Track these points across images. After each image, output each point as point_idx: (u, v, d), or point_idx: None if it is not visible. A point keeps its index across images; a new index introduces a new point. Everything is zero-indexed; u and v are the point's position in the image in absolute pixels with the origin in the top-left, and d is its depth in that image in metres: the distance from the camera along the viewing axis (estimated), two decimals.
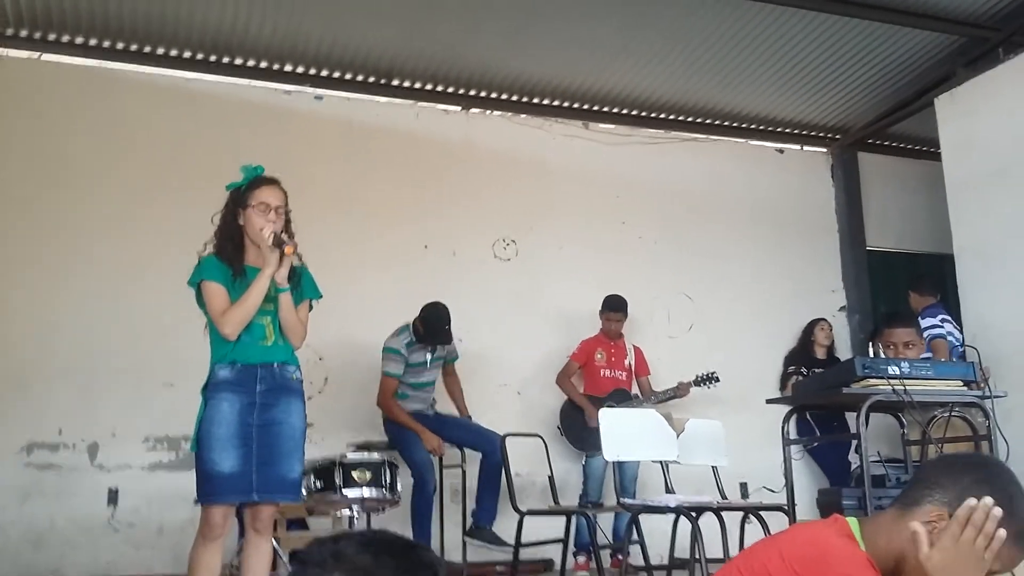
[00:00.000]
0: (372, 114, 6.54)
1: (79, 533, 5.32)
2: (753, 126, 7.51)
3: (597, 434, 4.35)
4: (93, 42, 5.92)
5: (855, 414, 3.82)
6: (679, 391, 5.95)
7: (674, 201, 7.12)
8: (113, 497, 5.40)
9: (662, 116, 7.25)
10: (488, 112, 6.84)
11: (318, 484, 3.90)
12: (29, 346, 5.46)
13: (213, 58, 6.16)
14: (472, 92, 6.76)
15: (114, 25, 5.75)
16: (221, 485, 3.03)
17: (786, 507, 4.07)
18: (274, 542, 4.18)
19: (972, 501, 1.62)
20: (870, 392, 3.73)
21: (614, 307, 6.11)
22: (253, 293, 3.11)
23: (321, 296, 3.39)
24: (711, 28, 6.01)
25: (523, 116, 6.88)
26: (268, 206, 3.18)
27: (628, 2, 5.77)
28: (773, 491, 5.15)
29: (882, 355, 3.97)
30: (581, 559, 5.64)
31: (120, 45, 5.97)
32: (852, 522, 1.73)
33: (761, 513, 4.10)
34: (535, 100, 6.92)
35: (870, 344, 4.17)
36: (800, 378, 6.38)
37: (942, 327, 5.74)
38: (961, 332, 5.87)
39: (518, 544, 4.36)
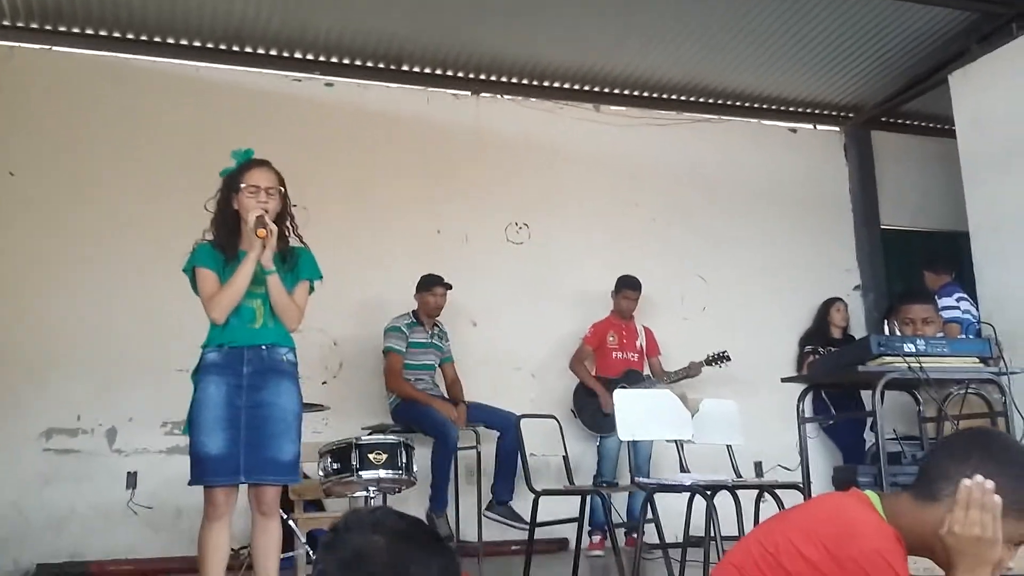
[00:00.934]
0: (383, 100, 6.54)
1: (99, 517, 5.38)
2: (766, 106, 7.47)
3: (611, 416, 4.36)
4: (103, 33, 5.94)
5: (870, 392, 3.81)
6: (691, 371, 5.96)
7: (687, 183, 7.10)
8: (132, 481, 5.46)
9: (674, 97, 7.22)
10: (498, 96, 6.83)
11: (335, 466, 3.90)
12: (47, 335, 5.51)
13: (223, 47, 6.18)
14: (482, 76, 6.75)
15: (124, 16, 5.77)
16: (209, 467, 3.05)
17: (801, 485, 4.07)
18: (292, 523, 4.23)
19: (966, 482, 1.63)
20: (885, 370, 3.71)
21: (631, 285, 6.12)
22: (238, 277, 3.12)
23: (321, 277, 3.36)
24: (722, 7, 5.98)
25: (533, 100, 6.87)
26: (258, 188, 3.17)
27: None
28: (788, 469, 5.17)
29: (898, 333, 3.95)
30: (596, 538, 5.68)
31: (130, 35, 6.00)
32: (872, 496, 1.72)
33: (776, 491, 4.09)
34: (546, 83, 6.91)
35: (885, 322, 4.15)
36: (816, 358, 6.36)
37: (958, 307, 5.72)
38: (978, 310, 5.84)
39: (533, 523, 4.38)
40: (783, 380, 4.50)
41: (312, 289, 3.36)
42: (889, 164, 7.69)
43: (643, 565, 4.41)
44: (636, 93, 7.12)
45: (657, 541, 4.41)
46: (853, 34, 6.41)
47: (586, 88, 7.00)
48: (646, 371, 6.15)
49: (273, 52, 6.29)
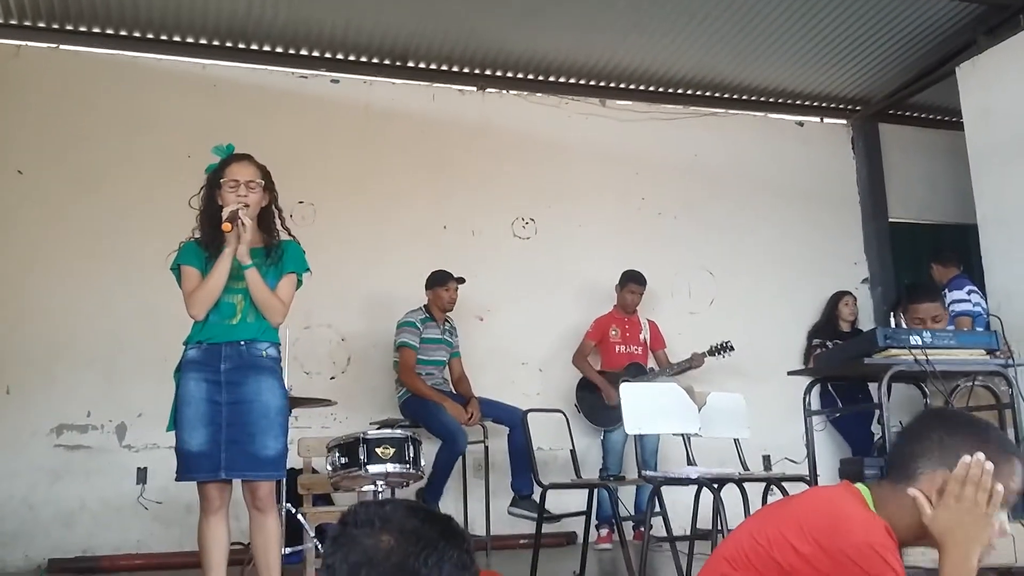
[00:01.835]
0: (388, 96, 6.55)
1: (109, 512, 5.42)
2: (772, 99, 7.45)
3: (614, 409, 4.36)
4: (110, 31, 5.97)
5: (877, 384, 3.81)
6: (693, 362, 5.97)
7: (693, 177, 7.09)
8: (142, 476, 5.49)
9: (680, 91, 7.21)
10: (504, 91, 6.83)
11: (343, 460, 3.92)
12: (56, 333, 5.54)
13: (229, 44, 6.19)
14: (488, 72, 6.76)
15: (130, 14, 5.80)
16: (190, 463, 3.06)
17: (808, 478, 4.07)
18: (301, 517, 4.25)
19: (967, 458, 1.66)
20: (892, 362, 3.71)
21: (636, 279, 6.13)
22: (214, 273, 3.11)
23: (308, 269, 3.33)
24: (727, 0, 5.96)
25: (539, 95, 6.87)
26: (237, 182, 3.16)
27: None
28: (795, 462, 5.15)
29: (904, 325, 3.95)
30: (604, 532, 5.69)
31: (136, 34, 6.02)
32: (863, 489, 1.74)
33: (783, 484, 4.09)
34: (551, 78, 6.91)
35: (892, 316, 4.15)
36: (824, 351, 6.36)
37: (969, 300, 5.70)
38: (987, 302, 5.82)
39: (541, 518, 4.39)
40: (789, 373, 4.51)
41: (300, 283, 3.32)
42: (897, 157, 7.66)
43: (651, 558, 4.41)
44: (642, 87, 7.12)
45: (664, 534, 4.41)
46: (860, 26, 6.39)
47: (592, 83, 6.99)
48: (651, 364, 6.15)
49: (279, 49, 6.31)
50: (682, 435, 4.38)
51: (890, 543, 1.60)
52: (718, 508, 3.82)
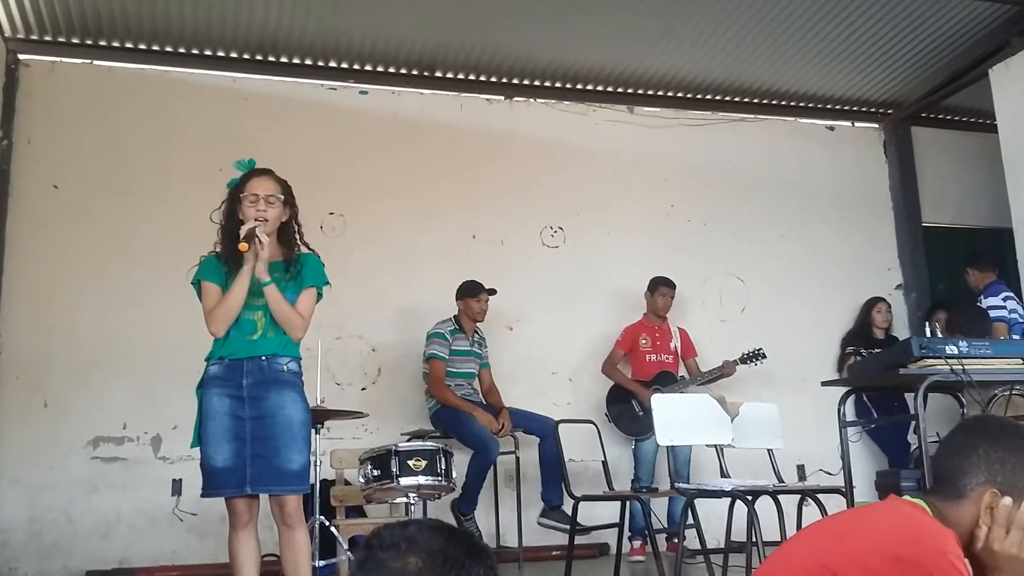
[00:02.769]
0: (417, 107, 6.58)
1: (145, 523, 5.48)
2: (802, 104, 7.39)
3: (645, 419, 4.34)
4: (142, 46, 6.05)
5: (913, 395, 3.76)
6: (725, 370, 5.92)
7: (723, 183, 7.04)
8: (177, 488, 5.54)
9: (708, 97, 7.17)
10: (531, 100, 6.83)
11: (375, 473, 3.95)
12: (92, 346, 5.61)
13: (259, 57, 6.25)
14: (515, 80, 6.76)
15: (161, 29, 5.87)
16: (216, 479, 3.08)
17: (844, 489, 4.03)
18: (334, 529, 4.28)
19: (1006, 501, 1.64)
20: (928, 373, 3.66)
21: (667, 283, 6.10)
22: (234, 290, 3.13)
23: (327, 283, 3.33)
24: (757, 5, 5.92)
25: (567, 103, 6.86)
26: (257, 196, 3.18)
27: None
28: (831, 474, 5.11)
29: (939, 334, 3.90)
30: (636, 543, 5.65)
31: (168, 48, 6.10)
32: (921, 503, 1.72)
33: (819, 496, 4.05)
34: (578, 86, 6.90)
35: (927, 323, 4.10)
36: (858, 359, 6.30)
37: (1005, 306, 5.62)
38: None
39: (573, 529, 4.38)
40: (823, 384, 4.47)
41: (320, 296, 3.33)
42: (930, 160, 7.56)
43: (684, 570, 4.39)
44: (670, 94, 7.09)
45: (698, 547, 4.39)
46: (891, 29, 6.32)
47: (619, 90, 6.97)
48: (681, 372, 6.11)
49: (308, 61, 6.36)
50: (715, 446, 4.35)
51: (960, 552, 1.59)
52: (753, 520, 3.79)
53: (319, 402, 4.34)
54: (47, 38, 5.90)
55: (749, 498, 3.82)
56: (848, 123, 7.59)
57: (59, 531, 5.36)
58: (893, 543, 1.60)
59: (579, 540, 4.50)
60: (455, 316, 5.65)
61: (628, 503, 4.52)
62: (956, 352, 3.67)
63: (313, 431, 3.77)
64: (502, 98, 6.78)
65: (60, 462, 5.44)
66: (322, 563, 4.10)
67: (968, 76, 6.77)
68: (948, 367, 3.60)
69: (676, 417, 4.16)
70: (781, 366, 6.19)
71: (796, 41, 6.39)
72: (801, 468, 6.33)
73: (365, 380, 6.02)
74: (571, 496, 4.33)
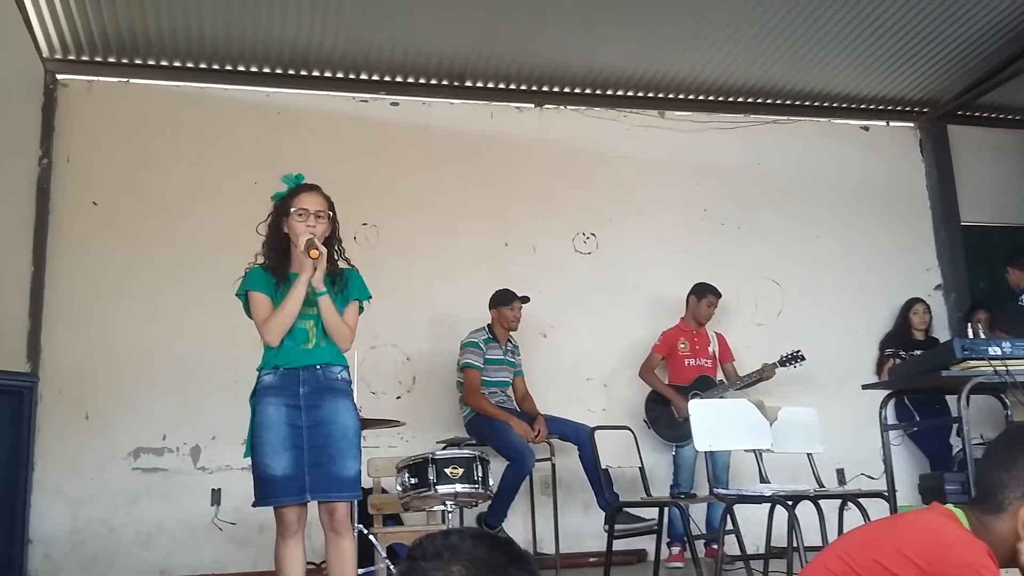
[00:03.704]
0: (448, 117, 6.61)
1: (185, 533, 5.54)
2: (836, 104, 7.31)
3: (686, 425, 4.31)
4: (177, 64, 6.14)
5: (955, 396, 3.70)
6: (764, 373, 5.86)
7: (756, 186, 6.99)
8: (216, 497, 5.60)
9: (740, 100, 7.13)
10: (562, 107, 6.84)
11: (412, 481, 3.95)
12: (133, 359, 5.70)
13: (292, 72, 6.32)
14: (545, 88, 6.77)
15: (196, 46, 5.96)
16: (275, 488, 3.10)
17: (886, 493, 3.97)
18: (372, 537, 4.29)
19: None
20: (971, 374, 3.61)
21: (717, 292, 6.09)
22: (291, 299, 3.17)
23: (370, 297, 3.40)
24: (788, 6, 5.88)
25: (597, 109, 6.86)
26: (307, 211, 3.23)
27: None
28: (872, 478, 5.04)
29: (981, 335, 3.84)
30: (675, 550, 5.61)
31: (203, 65, 6.18)
32: (957, 512, 1.70)
33: (861, 501, 4.00)
34: (609, 92, 6.89)
35: (968, 324, 4.04)
36: (897, 361, 6.21)
37: None
38: None
39: (611, 535, 4.36)
40: (864, 387, 4.42)
41: (362, 309, 3.40)
42: (967, 159, 7.45)
43: None
44: (701, 97, 7.05)
45: (738, 552, 4.34)
46: (925, 27, 6.24)
47: (650, 95, 6.95)
48: (719, 377, 6.06)
49: (340, 74, 6.42)
50: (754, 451, 4.31)
51: (992, 565, 1.56)
52: (793, 526, 3.74)
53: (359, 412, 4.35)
54: (84, 58, 6.01)
55: (790, 503, 3.78)
56: (883, 123, 7.50)
57: (100, 542, 5.43)
58: (917, 553, 1.59)
59: (617, 546, 4.47)
60: (488, 325, 5.65)
61: (667, 509, 4.49)
62: (1000, 353, 3.61)
63: None
64: (532, 106, 6.79)
65: (101, 474, 5.52)
66: (360, 571, 4.11)
67: (1004, 73, 6.69)
68: (992, 368, 3.54)
69: (715, 422, 4.13)
70: (819, 369, 6.12)
71: (828, 41, 6.33)
72: (841, 472, 6.25)
73: (400, 389, 6.05)
74: (606, 504, 4.31)
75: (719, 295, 6.10)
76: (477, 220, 6.43)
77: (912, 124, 7.53)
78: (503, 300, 5.62)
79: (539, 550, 5.58)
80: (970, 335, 3.79)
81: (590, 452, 4.80)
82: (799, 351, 5.86)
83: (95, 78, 6.06)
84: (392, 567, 4.02)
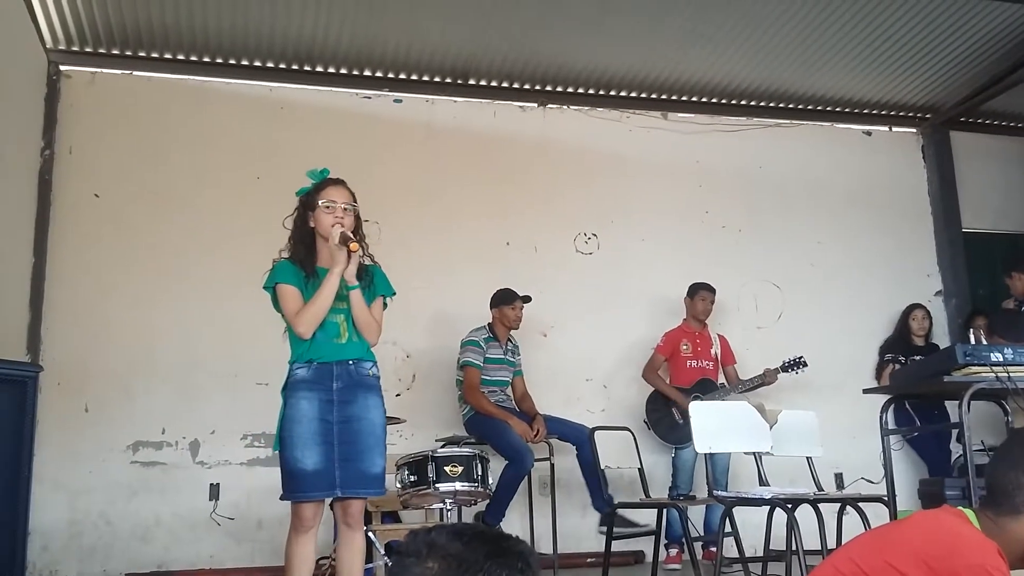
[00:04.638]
0: (451, 115, 6.60)
1: (183, 527, 5.53)
2: (838, 108, 7.32)
3: (686, 426, 4.31)
4: (180, 57, 6.13)
5: (956, 402, 3.70)
6: (766, 378, 5.86)
7: (758, 189, 6.99)
8: (215, 492, 5.59)
9: (743, 103, 7.13)
10: (565, 107, 6.83)
11: (412, 478, 3.95)
12: (133, 352, 5.69)
13: (295, 67, 6.31)
14: (548, 88, 6.77)
15: (200, 39, 5.95)
16: (305, 482, 3.09)
17: (886, 498, 3.97)
18: (371, 534, 4.28)
19: None
20: (972, 380, 3.62)
21: (708, 287, 6.08)
22: (324, 292, 3.17)
23: (395, 293, 3.43)
24: (792, 9, 5.88)
25: (600, 109, 6.85)
26: (335, 203, 3.25)
27: None
28: (872, 482, 5.04)
29: (984, 341, 3.84)
30: (673, 551, 5.61)
31: (206, 58, 6.17)
32: (969, 513, 1.70)
33: (860, 505, 4.00)
34: (612, 93, 6.89)
35: (969, 330, 4.04)
36: (897, 367, 6.21)
37: None
38: None
39: (610, 536, 4.36)
40: (865, 391, 4.42)
41: (386, 305, 3.43)
42: (969, 165, 7.45)
43: None
44: (705, 99, 7.05)
45: (736, 555, 4.34)
46: (928, 33, 6.25)
47: (653, 96, 6.95)
48: (720, 380, 6.06)
49: (343, 70, 6.41)
50: (753, 453, 4.31)
51: (1002, 565, 1.57)
52: (792, 529, 3.74)
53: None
54: (88, 49, 6.00)
55: (789, 506, 3.78)
56: (885, 128, 7.50)
57: (98, 534, 5.42)
58: (928, 553, 1.60)
59: (616, 547, 4.47)
60: (489, 324, 5.64)
61: (665, 511, 4.49)
62: (1001, 359, 3.61)
63: None
64: (536, 105, 6.78)
65: (100, 466, 5.51)
66: None
67: (1007, 80, 6.69)
68: (993, 374, 3.54)
69: (715, 424, 4.13)
70: (818, 373, 6.12)
71: (832, 45, 6.33)
72: (839, 476, 6.25)
73: (400, 386, 6.04)
74: (604, 505, 4.31)
75: (712, 290, 6.10)
76: (479, 219, 6.42)
77: (915, 129, 7.54)
78: (505, 299, 5.62)
79: (537, 550, 5.56)
80: (972, 341, 3.79)
81: (588, 452, 4.81)
82: (801, 357, 5.86)
83: (98, 70, 6.05)
84: (391, 564, 4.02)
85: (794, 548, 3.73)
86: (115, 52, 6.04)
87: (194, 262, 5.86)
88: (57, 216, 5.76)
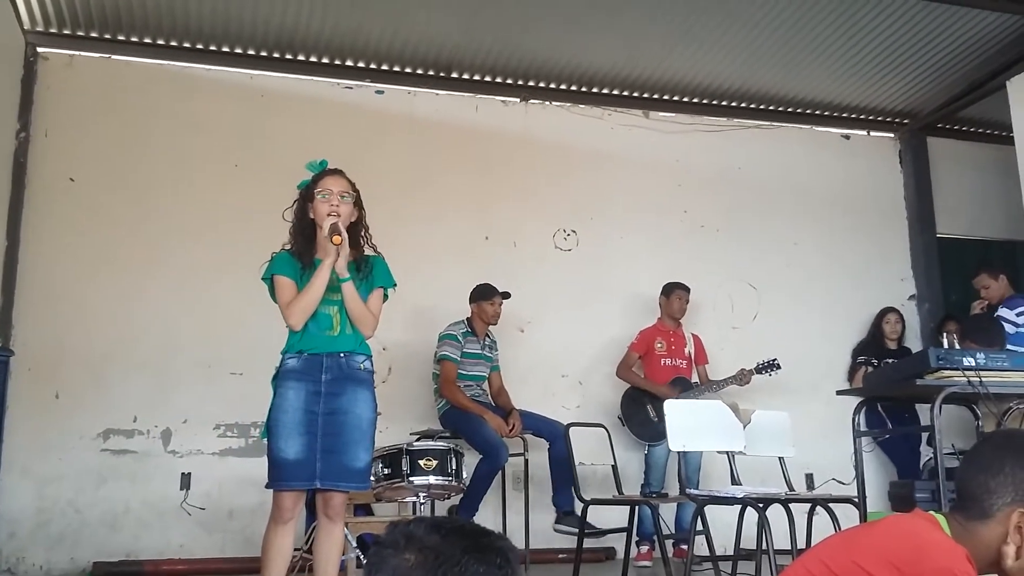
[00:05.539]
0: (433, 107, 6.58)
1: (153, 516, 5.48)
2: (818, 112, 7.37)
3: (659, 424, 4.34)
4: (160, 42, 6.07)
5: (927, 406, 3.74)
6: (740, 379, 5.89)
7: (737, 189, 7.03)
8: (186, 481, 5.55)
9: (724, 103, 7.16)
10: (547, 103, 6.83)
11: (386, 471, 3.95)
12: (106, 339, 5.63)
13: (277, 55, 6.27)
14: (531, 83, 6.76)
15: (180, 25, 5.89)
16: (286, 471, 3.10)
17: (856, 499, 4.01)
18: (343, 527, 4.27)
19: None
20: (944, 384, 3.64)
21: (684, 286, 6.11)
22: (314, 284, 3.18)
23: (395, 284, 3.42)
24: (775, 12, 5.92)
25: (582, 106, 6.85)
26: (331, 191, 3.25)
27: None
28: (843, 483, 5.09)
29: (956, 345, 3.88)
30: (644, 548, 5.64)
31: (186, 44, 6.11)
32: (939, 518, 1.71)
33: (830, 506, 4.04)
34: (594, 90, 6.90)
35: (942, 334, 4.08)
36: (869, 369, 6.27)
37: (1016, 322, 5.58)
38: None
39: (582, 533, 4.37)
40: (839, 393, 4.45)
41: (386, 296, 3.42)
42: (945, 171, 7.54)
43: None
44: (686, 99, 7.08)
45: (707, 553, 4.37)
46: (908, 40, 6.31)
47: (635, 94, 6.96)
48: (694, 379, 6.10)
49: (325, 60, 6.37)
50: (727, 453, 4.34)
51: (970, 570, 1.58)
52: (763, 528, 3.77)
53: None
54: (66, 31, 5.92)
55: (761, 506, 3.81)
56: (863, 132, 7.57)
57: (67, 522, 5.37)
58: (896, 555, 1.60)
59: (587, 544, 4.48)
60: (468, 319, 5.64)
61: (637, 508, 4.51)
62: (973, 364, 3.65)
63: None
64: (518, 100, 6.78)
65: (69, 454, 5.44)
66: None
67: (985, 87, 6.76)
68: (965, 379, 3.58)
69: (689, 423, 4.15)
70: (793, 374, 6.17)
71: (813, 49, 6.38)
72: (810, 477, 6.30)
73: (375, 379, 6.00)
74: (580, 499, 4.32)
75: (687, 288, 6.13)
76: (459, 212, 6.41)
77: (892, 135, 7.61)
78: (484, 295, 5.62)
79: None
80: (944, 345, 3.83)
81: (561, 448, 4.82)
82: (775, 360, 5.90)
83: (77, 52, 5.97)
84: (362, 557, 4.01)
85: (764, 547, 3.75)
86: (94, 35, 5.97)
87: (171, 249, 5.80)
88: (31, 200, 5.68)
